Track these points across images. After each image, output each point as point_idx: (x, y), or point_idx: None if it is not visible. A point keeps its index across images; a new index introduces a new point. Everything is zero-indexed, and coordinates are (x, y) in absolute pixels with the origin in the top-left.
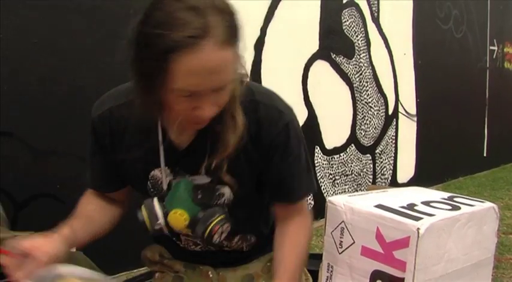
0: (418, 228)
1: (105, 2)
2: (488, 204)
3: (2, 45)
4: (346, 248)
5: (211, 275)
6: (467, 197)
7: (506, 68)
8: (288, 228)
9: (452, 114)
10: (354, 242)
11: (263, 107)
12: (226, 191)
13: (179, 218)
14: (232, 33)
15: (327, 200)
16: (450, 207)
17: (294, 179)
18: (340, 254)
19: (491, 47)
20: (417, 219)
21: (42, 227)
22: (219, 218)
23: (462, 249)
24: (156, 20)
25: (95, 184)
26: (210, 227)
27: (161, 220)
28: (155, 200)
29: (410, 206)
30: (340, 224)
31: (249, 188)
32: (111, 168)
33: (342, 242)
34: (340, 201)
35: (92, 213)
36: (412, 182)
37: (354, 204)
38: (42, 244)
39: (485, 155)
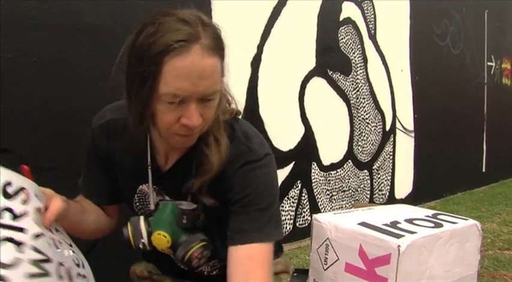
0: (399, 246)
1: (106, 21)
2: (471, 221)
3: (1, 63)
4: (331, 265)
5: None
6: (451, 215)
7: (504, 83)
8: None
9: (450, 130)
10: (338, 259)
11: (235, 143)
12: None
13: (162, 239)
14: (218, 44)
15: (312, 217)
16: (433, 225)
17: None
18: (325, 270)
19: (489, 63)
20: (398, 236)
21: None
22: (199, 245)
23: (444, 266)
24: (149, 32)
25: (88, 193)
26: (190, 252)
27: (145, 239)
28: (141, 218)
29: (393, 224)
30: (325, 241)
31: (226, 213)
32: (106, 180)
33: (326, 258)
34: (325, 219)
35: (87, 206)
36: (409, 198)
37: (338, 222)
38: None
39: (483, 170)
